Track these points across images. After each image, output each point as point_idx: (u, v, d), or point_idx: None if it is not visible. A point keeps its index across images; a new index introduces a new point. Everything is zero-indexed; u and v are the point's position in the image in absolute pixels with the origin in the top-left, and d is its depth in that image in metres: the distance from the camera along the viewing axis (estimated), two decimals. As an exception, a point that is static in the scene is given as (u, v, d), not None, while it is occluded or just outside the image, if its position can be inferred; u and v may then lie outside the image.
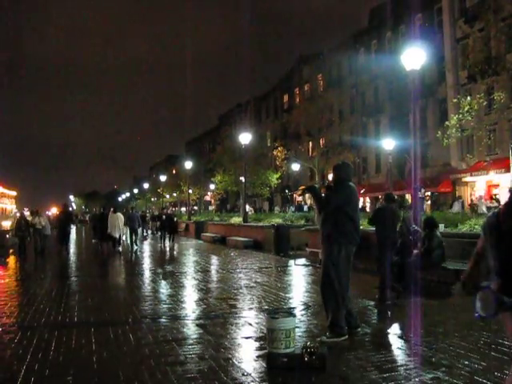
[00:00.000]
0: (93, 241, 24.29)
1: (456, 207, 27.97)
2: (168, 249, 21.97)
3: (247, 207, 33.02)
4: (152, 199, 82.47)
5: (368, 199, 47.29)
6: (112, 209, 22.38)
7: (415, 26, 40.08)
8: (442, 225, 11.17)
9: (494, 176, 33.46)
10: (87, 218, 57.44)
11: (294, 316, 5.40)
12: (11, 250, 20.73)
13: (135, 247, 22.81)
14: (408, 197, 36.90)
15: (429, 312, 7.46)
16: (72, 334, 6.42)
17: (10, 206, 77.96)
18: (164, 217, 25.74)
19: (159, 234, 37.08)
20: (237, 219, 28.22)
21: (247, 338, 6.16)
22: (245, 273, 12.58)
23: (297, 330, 5.64)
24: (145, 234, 35.28)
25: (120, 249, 21.52)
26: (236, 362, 5.16)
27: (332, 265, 5.98)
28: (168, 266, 15.22)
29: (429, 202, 28.92)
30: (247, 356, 5.41)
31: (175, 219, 26.68)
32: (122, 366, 5.11)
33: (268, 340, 5.17)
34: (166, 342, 6.02)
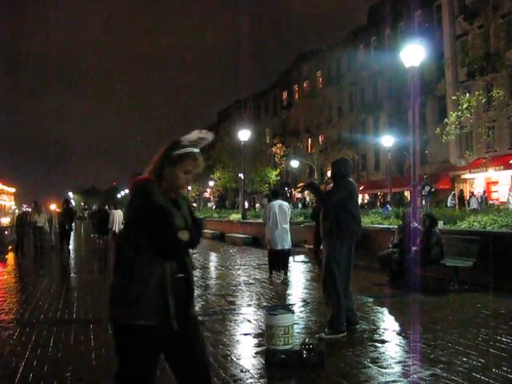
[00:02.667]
0: (91, 235, 24.90)
1: (474, 204, 27.10)
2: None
3: (249, 203, 33.14)
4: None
5: (367, 196, 47.32)
6: (111, 206, 22.78)
7: (414, 22, 40.05)
8: (441, 222, 11.18)
9: (492, 173, 33.50)
10: (86, 215, 57.55)
11: (293, 313, 5.40)
12: (10, 247, 20.74)
13: None
14: (407, 194, 36.98)
15: (427, 309, 7.46)
16: (71, 331, 6.42)
17: (9, 203, 77.89)
18: None
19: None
20: (236, 216, 28.21)
21: (246, 334, 6.16)
22: (243, 269, 12.59)
23: (295, 326, 5.64)
24: None
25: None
26: (235, 359, 5.16)
27: (334, 261, 5.99)
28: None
29: (430, 199, 27.58)
30: (246, 352, 5.41)
31: None
32: (120, 362, 5.10)
33: (266, 337, 5.18)
34: (165, 338, 6.01)
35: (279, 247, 10.59)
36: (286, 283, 10.26)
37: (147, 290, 2.60)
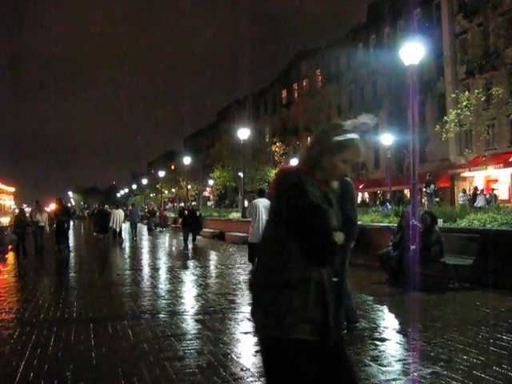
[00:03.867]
0: (94, 233, 25.55)
1: (481, 202, 26.47)
2: (190, 251, 18.93)
3: (249, 202, 33.23)
4: (151, 195, 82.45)
5: (367, 194, 47.31)
6: (111, 205, 23.22)
7: (414, 21, 40.02)
8: (441, 220, 11.18)
9: (492, 171, 33.48)
10: (85, 214, 57.73)
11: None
12: (10, 247, 20.71)
13: (134, 239, 24.12)
14: (407, 192, 36.98)
15: (427, 307, 7.46)
16: (71, 330, 6.42)
17: (9, 202, 77.91)
18: (186, 212, 22.53)
19: (158, 229, 37.38)
20: (235, 214, 28.22)
21: (246, 333, 6.17)
22: (243, 268, 12.58)
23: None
24: (153, 228, 36.57)
25: (121, 239, 23.24)
26: (235, 357, 5.16)
27: None
28: (167, 262, 15.23)
29: (434, 198, 26.36)
30: (246, 351, 5.42)
31: (198, 214, 23.16)
32: (120, 361, 5.11)
33: (267, 335, 5.17)
34: (165, 337, 6.02)
35: (258, 241, 11.11)
36: None
37: (308, 297, 2.21)
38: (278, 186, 2.34)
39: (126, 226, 27.75)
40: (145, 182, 78.97)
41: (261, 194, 12.30)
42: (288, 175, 2.34)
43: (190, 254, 17.44)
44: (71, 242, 20.73)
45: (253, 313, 2.38)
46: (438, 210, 13.87)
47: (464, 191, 30.21)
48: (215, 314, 7.29)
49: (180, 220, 23.98)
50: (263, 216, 11.24)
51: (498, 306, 7.34)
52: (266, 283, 2.28)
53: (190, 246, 20.63)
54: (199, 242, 22.89)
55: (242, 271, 12.12)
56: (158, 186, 67.35)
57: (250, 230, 11.71)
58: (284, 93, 62.79)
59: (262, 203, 11.48)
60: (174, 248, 20.66)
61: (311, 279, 2.22)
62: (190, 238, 21.42)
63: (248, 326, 6.54)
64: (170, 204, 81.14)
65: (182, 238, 21.82)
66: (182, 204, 56.67)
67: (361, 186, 43.45)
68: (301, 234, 2.21)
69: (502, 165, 32.19)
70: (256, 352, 5.30)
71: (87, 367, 4.94)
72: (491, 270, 8.46)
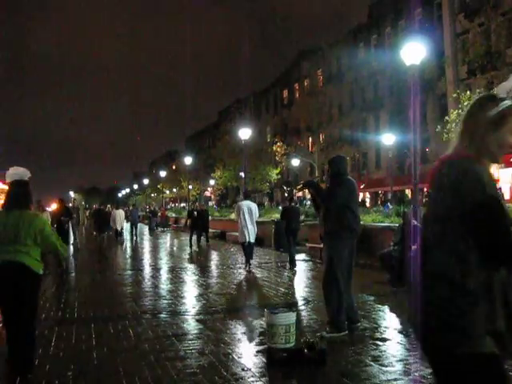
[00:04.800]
0: (93, 233, 25.77)
1: None
2: (193, 250, 18.76)
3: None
4: (152, 195, 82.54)
5: (368, 194, 47.28)
6: (113, 205, 23.43)
7: (415, 20, 39.99)
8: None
9: (493, 171, 33.42)
10: (87, 214, 57.82)
11: (294, 311, 5.40)
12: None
13: (135, 239, 24.42)
14: (408, 192, 36.97)
15: (428, 307, 7.45)
16: (72, 330, 6.43)
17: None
18: (196, 213, 21.67)
19: (159, 229, 37.40)
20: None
21: (247, 333, 6.17)
22: (244, 268, 12.59)
23: (297, 325, 5.64)
24: (154, 228, 36.77)
25: (122, 239, 23.60)
26: (236, 357, 5.16)
27: (336, 259, 5.97)
28: (168, 262, 15.24)
29: None
30: (247, 351, 5.42)
31: (208, 216, 22.53)
32: (122, 361, 5.11)
33: (268, 335, 5.18)
34: (166, 337, 6.03)
35: (245, 240, 12.42)
36: (249, 270, 12.07)
37: (494, 305, 1.95)
38: (443, 177, 2.07)
39: (126, 226, 27.89)
40: (146, 182, 79.04)
41: (246, 196, 13.45)
42: (455, 164, 2.04)
43: (191, 254, 17.45)
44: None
45: (426, 325, 2.13)
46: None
47: None
48: (216, 314, 7.29)
49: (187, 221, 23.34)
50: (246, 217, 12.40)
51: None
52: (438, 289, 2.08)
53: (203, 244, 20.80)
54: (200, 241, 22.83)
55: (243, 271, 12.12)
56: (159, 186, 67.41)
57: (238, 230, 12.68)
58: (285, 93, 62.77)
59: (246, 205, 12.61)
60: (175, 248, 20.65)
61: (494, 283, 1.95)
62: (194, 237, 21.24)
63: (249, 326, 6.54)
64: (171, 204, 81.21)
65: (183, 237, 21.90)
66: (183, 204, 56.62)
67: (362, 186, 43.40)
68: (477, 231, 1.94)
69: (503, 165, 32.14)
70: (257, 352, 5.30)
71: (89, 367, 4.95)
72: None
